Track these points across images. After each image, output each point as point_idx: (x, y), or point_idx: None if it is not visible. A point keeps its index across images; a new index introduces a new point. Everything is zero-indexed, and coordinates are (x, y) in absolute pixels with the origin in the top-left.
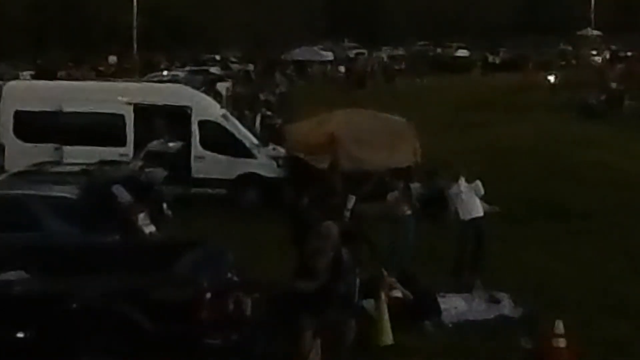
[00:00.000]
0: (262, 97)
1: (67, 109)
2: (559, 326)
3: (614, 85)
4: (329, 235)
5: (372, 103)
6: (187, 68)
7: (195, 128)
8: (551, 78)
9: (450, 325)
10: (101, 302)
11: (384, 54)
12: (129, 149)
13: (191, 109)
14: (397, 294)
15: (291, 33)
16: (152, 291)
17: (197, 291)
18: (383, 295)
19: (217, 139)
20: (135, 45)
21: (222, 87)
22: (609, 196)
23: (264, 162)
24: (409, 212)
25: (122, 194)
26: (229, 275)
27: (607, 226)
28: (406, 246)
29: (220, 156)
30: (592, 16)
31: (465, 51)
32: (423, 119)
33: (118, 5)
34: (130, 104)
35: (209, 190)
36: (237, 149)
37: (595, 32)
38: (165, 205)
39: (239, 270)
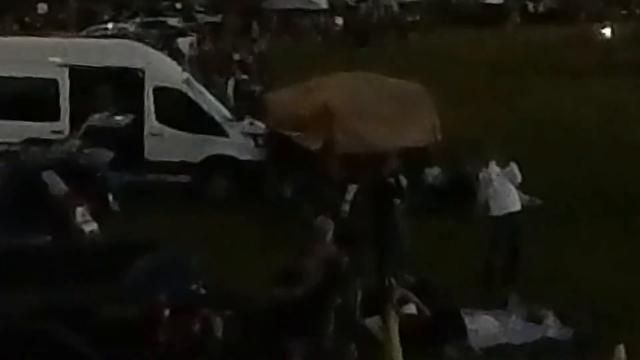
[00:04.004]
0: (236, 57)
1: None
2: (620, 351)
3: None
4: (322, 234)
5: (377, 65)
6: (139, 19)
7: (149, 97)
8: (606, 31)
9: (478, 351)
10: (29, 322)
11: (394, 1)
12: (64, 124)
13: (144, 72)
14: (411, 309)
15: None
16: (94, 308)
17: (153, 307)
18: (392, 312)
19: (178, 111)
20: None
21: (184, 43)
22: None
23: (238, 141)
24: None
25: (55, 182)
26: (194, 286)
27: None
28: (395, 247)
29: (181, 133)
30: None
31: None
32: (444, 85)
33: None
34: (65, 66)
35: (168, 177)
36: (203, 124)
37: None
38: (110, 197)
39: (207, 281)
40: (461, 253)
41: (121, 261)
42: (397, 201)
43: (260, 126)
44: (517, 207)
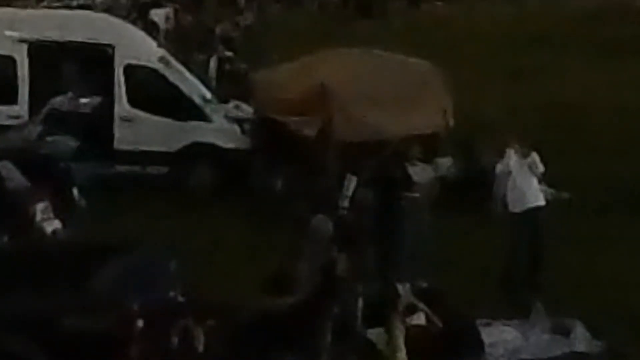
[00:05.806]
0: (218, 30)
1: None
2: None
3: None
4: (319, 234)
5: (382, 39)
6: None
7: (119, 77)
8: None
9: None
10: None
11: None
12: (23, 107)
13: (113, 49)
14: (419, 320)
15: None
16: (57, 318)
17: (124, 317)
18: (398, 322)
19: (153, 92)
20: None
21: (159, 15)
22: None
23: (221, 127)
24: (416, 194)
25: (13, 175)
26: (171, 294)
27: None
28: (402, 249)
29: (157, 118)
30: None
31: None
32: (458, 63)
33: None
34: (23, 41)
35: (142, 169)
36: (182, 107)
37: None
38: (76, 191)
39: (186, 287)
40: (477, 255)
41: (88, 265)
42: (404, 195)
43: (247, 110)
44: (540, 202)
